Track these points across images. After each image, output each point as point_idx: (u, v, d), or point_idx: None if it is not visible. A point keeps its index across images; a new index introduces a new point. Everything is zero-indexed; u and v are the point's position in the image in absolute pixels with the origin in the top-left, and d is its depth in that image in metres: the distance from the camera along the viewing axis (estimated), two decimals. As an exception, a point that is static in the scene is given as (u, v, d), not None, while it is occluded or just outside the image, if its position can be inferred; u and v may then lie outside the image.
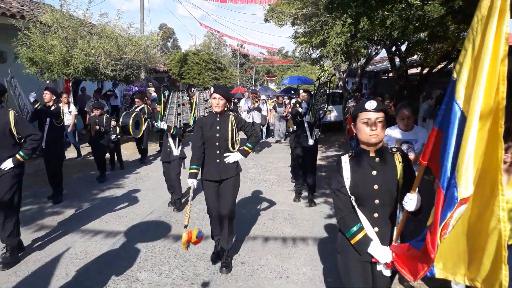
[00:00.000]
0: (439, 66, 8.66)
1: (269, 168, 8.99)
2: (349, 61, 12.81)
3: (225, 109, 3.83)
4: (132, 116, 7.67)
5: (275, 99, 14.52)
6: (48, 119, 6.00)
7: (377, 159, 2.15)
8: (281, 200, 6.32)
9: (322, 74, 17.78)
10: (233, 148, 3.83)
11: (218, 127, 3.74)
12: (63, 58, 9.17)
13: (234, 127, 3.79)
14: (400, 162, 2.15)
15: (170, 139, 5.63)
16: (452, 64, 8.59)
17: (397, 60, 9.53)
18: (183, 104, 5.65)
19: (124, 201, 6.18)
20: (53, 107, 6.05)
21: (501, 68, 1.54)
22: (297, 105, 6.56)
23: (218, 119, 3.77)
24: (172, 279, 3.66)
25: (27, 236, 4.58)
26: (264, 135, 13.80)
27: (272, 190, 7.01)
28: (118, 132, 8.19)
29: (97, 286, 3.50)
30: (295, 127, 6.34)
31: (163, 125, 5.53)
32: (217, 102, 3.68)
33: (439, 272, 1.86)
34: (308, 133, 5.93)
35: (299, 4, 8.04)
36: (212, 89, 3.71)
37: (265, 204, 6.07)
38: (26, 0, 12.75)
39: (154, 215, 5.50)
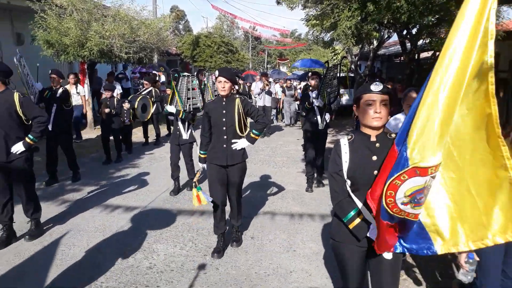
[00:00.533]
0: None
1: (279, 151, 9.16)
2: (361, 44, 12.74)
3: (232, 92, 3.76)
4: (138, 99, 7.57)
5: (284, 83, 14.66)
6: (55, 103, 6.00)
7: (377, 144, 2.05)
8: (290, 181, 6.51)
9: (335, 57, 17.71)
10: (242, 133, 3.76)
11: (224, 111, 3.65)
12: (79, 41, 9.38)
13: (241, 111, 3.69)
14: None
15: (179, 123, 5.63)
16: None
17: (408, 44, 9.52)
18: (193, 89, 5.62)
19: (139, 179, 6.44)
20: (60, 90, 6.06)
21: (490, 25, 1.46)
22: (307, 89, 6.47)
23: (224, 103, 3.67)
24: (186, 251, 3.90)
25: (49, 210, 4.88)
26: (275, 117, 13.88)
27: (282, 171, 7.20)
28: (131, 116, 8.13)
29: (116, 255, 3.76)
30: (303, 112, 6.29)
31: (171, 108, 5.51)
32: (222, 86, 3.57)
33: (440, 248, 1.82)
34: (319, 117, 5.86)
35: (310, -14, 8.04)
36: (216, 73, 3.59)
37: (274, 185, 6.26)
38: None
39: (168, 193, 5.74)
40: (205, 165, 3.86)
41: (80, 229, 4.40)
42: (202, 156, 3.86)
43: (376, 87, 1.99)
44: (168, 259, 3.74)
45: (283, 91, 13.56)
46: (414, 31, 8.99)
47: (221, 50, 23.53)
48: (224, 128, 3.67)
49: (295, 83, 15.24)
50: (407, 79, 9.10)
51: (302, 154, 8.25)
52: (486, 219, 1.68)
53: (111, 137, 7.73)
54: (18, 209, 4.23)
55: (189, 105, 5.55)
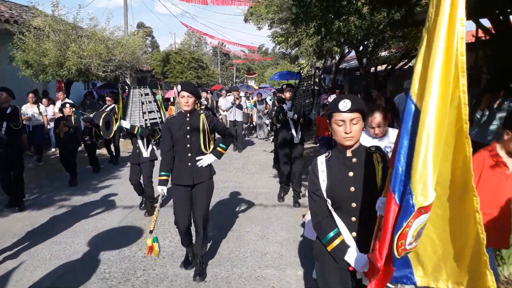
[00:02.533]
0: (400, 64, 9.73)
1: (251, 159, 9.87)
2: (324, 59, 13.75)
3: (195, 107, 3.61)
4: (102, 116, 7.18)
5: (255, 96, 14.74)
6: (5, 122, 5.55)
7: (354, 159, 1.99)
8: (262, 185, 7.21)
9: (302, 70, 18.78)
10: (207, 150, 3.60)
11: (188, 128, 3.48)
12: (58, 61, 9.82)
13: (206, 127, 3.54)
14: (379, 162, 1.97)
15: (138, 140, 5.28)
16: (412, 61, 9.70)
17: (365, 59, 10.56)
18: (148, 102, 5.26)
19: (122, 188, 6.94)
20: (9, 109, 5.66)
21: (460, 58, 1.37)
22: (280, 101, 6.36)
23: (188, 119, 3.50)
24: (175, 243, 4.49)
25: (47, 215, 5.36)
26: (245, 133, 13.69)
27: (255, 177, 7.89)
28: (93, 134, 8.01)
29: (113, 249, 4.32)
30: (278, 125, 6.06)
31: (125, 124, 5.11)
32: (186, 101, 3.39)
33: (419, 280, 1.77)
34: (293, 131, 5.70)
35: (275, 8, 8.92)
36: (179, 87, 3.42)
37: (249, 188, 6.95)
38: (13, 4, 13.30)
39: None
40: (165, 189, 3.55)
41: (76, 230, 4.92)
42: (164, 177, 3.55)
43: (344, 105, 1.89)
44: (160, 249, 4.32)
45: (254, 105, 13.65)
46: (370, 45, 10.00)
47: (191, 66, 24.22)
48: (189, 145, 3.50)
49: (268, 98, 15.01)
50: (365, 90, 10.06)
51: (273, 159, 8.42)
52: (462, 264, 1.64)
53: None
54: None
55: (146, 120, 5.20)
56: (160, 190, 3.53)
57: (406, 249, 1.62)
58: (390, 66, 9.84)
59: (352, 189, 1.94)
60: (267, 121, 12.92)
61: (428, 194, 1.48)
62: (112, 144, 9.30)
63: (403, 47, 8.80)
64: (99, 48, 10.30)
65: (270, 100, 13.22)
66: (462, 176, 1.51)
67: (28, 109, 9.08)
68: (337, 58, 14.65)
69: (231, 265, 3.94)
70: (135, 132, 5.14)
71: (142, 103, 5.18)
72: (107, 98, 8.94)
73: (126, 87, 5.37)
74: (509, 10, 3.27)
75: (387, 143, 3.12)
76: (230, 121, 11.15)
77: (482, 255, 1.50)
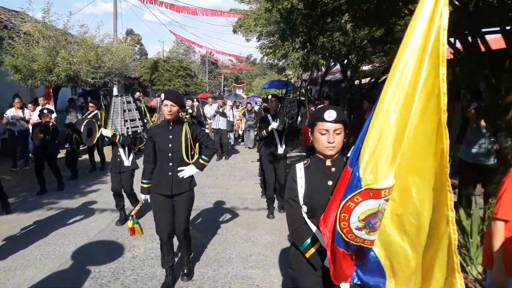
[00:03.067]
0: (383, 77, 10.14)
1: (238, 166, 10.06)
2: (310, 71, 14.13)
3: (179, 116, 3.57)
4: (84, 123, 6.84)
5: (244, 106, 14.49)
6: None
7: (333, 169, 2.03)
8: (249, 191, 7.40)
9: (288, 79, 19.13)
10: (189, 160, 3.56)
11: (170, 137, 3.46)
12: (47, 66, 9.90)
13: (189, 136, 3.51)
14: None
15: (120, 148, 5.22)
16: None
17: (349, 72, 10.95)
18: (130, 110, 5.19)
19: (109, 193, 6.99)
20: None
21: (441, 48, 1.38)
22: (264, 112, 6.43)
23: (170, 127, 3.48)
24: (162, 245, 4.64)
25: (35, 217, 5.44)
26: (232, 142, 13.39)
27: (241, 183, 8.08)
28: (74, 141, 7.86)
29: (102, 251, 4.45)
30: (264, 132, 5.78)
31: (106, 132, 5.04)
32: (169, 110, 3.35)
33: None
34: (278, 141, 5.65)
35: (263, 21, 9.22)
36: (162, 95, 3.38)
37: (235, 193, 7.13)
38: (1, 8, 13.31)
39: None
40: (147, 196, 3.64)
41: (66, 234, 5.02)
42: (145, 185, 3.60)
43: (329, 115, 1.94)
44: (148, 251, 4.48)
45: (244, 115, 13.50)
46: (352, 59, 10.39)
47: (179, 74, 24.38)
48: (170, 154, 3.46)
49: (256, 107, 14.97)
50: (349, 101, 10.41)
51: (258, 169, 8.53)
52: (430, 275, 1.60)
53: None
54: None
55: (127, 128, 5.13)
56: (143, 197, 3.66)
57: (352, 232, 1.61)
58: (373, 79, 10.27)
59: (331, 197, 1.91)
60: (252, 133, 12.89)
61: (379, 177, 1.50)
62: (96, 150, 9.17)
63: (386, 62, 9.24)
64: (89, 55, 10.42)
65: (259, 108, 12.99)
66: (439, 170, 1.46)
67: (12, 114, 9.06)
68: (323, 70, 15.05)
69: (218, 266, 4.11)
70: (117, 141, 5.08)
71: (124, 111, 5.11)
72: (90, 105, 8.76)
73: (107, 94, 5.34)
74: (481, 31, 3.58)
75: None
76: (213, 128, 11.14)
77: (453, 257, 1.46)
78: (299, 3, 4.19)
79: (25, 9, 10.78)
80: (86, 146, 8.89)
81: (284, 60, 9.00)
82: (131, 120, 5.16)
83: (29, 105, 9.92)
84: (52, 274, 3.91)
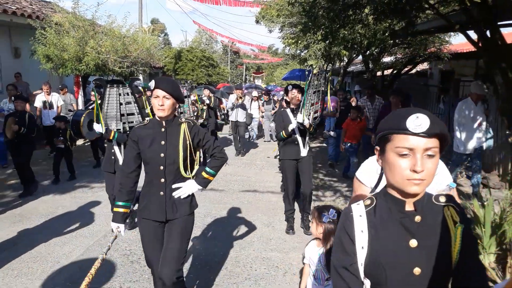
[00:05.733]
0: (406, 69, 10.11)
1: (259, 156, 10.29)
2: (332, 62, 14.12)
3: (175, 114, 2.66)
4: (84, 115, 5.79)
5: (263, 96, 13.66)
6: None
7: (417, 218, 1.22)
8: (269, 179, 7.61)
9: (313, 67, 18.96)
10: (188, 173, 2.65)
11: (162, 143, 2.54)
12: (77, 56, 10.30)
13: (188, 142, 2.59)
14: (456, 222, 1.23)
15: (115, 146, 4.49)
16: (418, 66, 10.11)
17: (370, 63, 10.96)
18: (127, 103, 4.51)
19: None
20: None
21: None
22: (285, 106, 5.49)
23: (163, 129, 2.56)
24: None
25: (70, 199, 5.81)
26: (255, 135, 12.87)
27: (263, 172, 8.31)
28: (68, 137, 6.91)
29: (131, 231, 4.75)
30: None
31: (98, 127, 4.37)
32: (160, 103, 2.44)
33: None
34: (300, 141, 4.60)
35: (286, 12, 9.32)
36: (152, 83, 2.49)
37: (256, 181, 7.37)
38: (33, -1, 13.87)
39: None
40: (122, 228, 2.62)
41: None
42: (121, 210, 2.59)
43: (418, 123, 1.14)
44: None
45: (262, 105, 12.66)
46: (374, 51, 10.39)
47: (202, 64, 24.68)
48: (162, 167, 2.54)
49: (275, 97, 14.43)
50: (369, 87, 10.46)
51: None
52: None
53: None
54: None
55: (124, 123, 4.49)
56: (115, 229, 2.60)
57: None
58: (395, 71, 10.25)
59: (417, 270, 1.18)
60: (272, 124, 11.76)
61: None
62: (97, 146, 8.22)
63: (408, 54, 9.22)
64: (117, 44, 10.76)
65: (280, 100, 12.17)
66: None
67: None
68: (345, 60, 15.00)
69: (239, 248, 4.35)
70: (111, 138, 4.37)
71: (121, 104, 4.43)
72: (92, 94, 7.98)
73: (101, 84, 4.54)
74: (498, 26, 3.63)
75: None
76: (231, 121, 10.34)
77: None
78: (321, -3, 4.32)
79: (56, 0, 11.20)
80: (88, 142, 8.00)
81: (306, 51, 9.08)
82: (128, 115, 4.49)
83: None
84: (87, 248, 4.24)
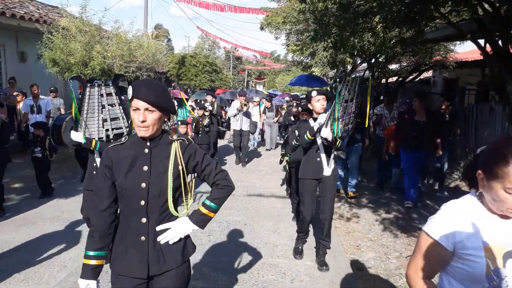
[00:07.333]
0: (411, 77, 10.14)
1: (262, 162, 10.29)
2: (336, 69, 14.18)
3: (164, 128, 2.17)
4: (67, 119, 4.62)
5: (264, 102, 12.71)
6: None
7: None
8: (273, 185, 7.61)
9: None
10: (177, 210, 1.94)
11: (145, 168, 1.87)
12: (83, 60, 10.35)
13: (181, 167, 1.91)
14: None
15: (97, 158, 3.66)
16: (423, 74, 10.14)
17: (376, 72, 11.00)
18: (111, 105, 3.64)
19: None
20: None
21: None
22: (301, 114, 5.04)
23: (147, 150, 1.90)
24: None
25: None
26: (255, 144, 12.38)
27: (266, 178, 8.30)
28: (46, 145, 6.12)
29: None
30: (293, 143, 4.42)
31: (77, 136, 3.57)
32: (141, 118, 1.78)
33: None
34: (324, 157, 3.89)
35: (292, 19, 9.37)
36: (130, 90, 1.79)
37: (261, 187, 7.37)
38: (39, 3, 14.00)
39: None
40: (92, 284, 1.88)
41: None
42: (92, 261, 1.88)
43: None
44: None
45: (264, 112, 11.95)
46: (381, 59, 10.43)
47: (205, 69, 24.77)
48: (143, 202, 1.85)
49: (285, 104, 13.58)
50: (375, 100, 10.48)
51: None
52: None
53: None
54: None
55: (107, 130, 3.67)
56: (85, 287, 1.88)
57: None
58: (400, 79, 10.29)
59: None
60: (273, 132, 11.80)
61: None
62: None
63: (414, 61, 9.28)
64: (123, 49, 10.81)
65: (288, 107, 11.67)
66: None
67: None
68: (348, 68, 15.06)
69: (246, 254, 4.34)
70: (92, 148, 3.62)
71: (103, 107, 3.61)
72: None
73: (79, 83, 3.73)
74: (510, 34, 3.64)
75: None
76: (235, 130, 9.60)
77: None
78: (333, 6, 4.33)
79: (64, 5, 11.30)
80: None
81: (311, 58, 9.13)
82: (112, 120, 3.66)
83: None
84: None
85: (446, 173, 6.94)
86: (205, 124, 8.22)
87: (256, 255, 4.31)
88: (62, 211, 5.62)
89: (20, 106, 9.08)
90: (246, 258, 4.23)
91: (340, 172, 6.47)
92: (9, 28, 10.73)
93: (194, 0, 16.38)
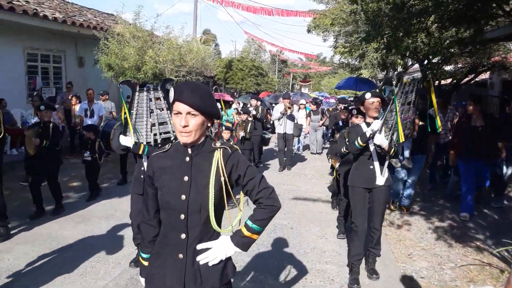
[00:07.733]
0: (466, 79, 9.61)
1: (308, 165, 10.18)
2: (386, 71, 13.76)
3: (208, 134, 1.86)
4: (115, 126, 5.28)
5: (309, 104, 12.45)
6: None
7: None
8: (320, 190, 7.49)
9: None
10: (221, 226, 1.83)
11: (186, 179, 1.75)
12: (136, 65, 10.79)
13: (223, 179, 1.75)
14: None
15: (145, 162, 3.66)
16: (480, 75, 9.59)
17: (429, 73, 10.55)
18: (160, 109, 3.71)
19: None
20: None
21: None
22: (353, 117, 4.87)
23: (188, 158, 1.78)
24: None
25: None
26: (301, 147, 12.22)
27: (312, 182, 8.20)
28: (96, 148, 6.26)
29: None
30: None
31: (125, 140, 3.63)
32: (183, 123, 1.68)
33: None
34: (377, 165, 3.64)
35: (341, 21, 9.21)
36: (171, 92, 1.70)
37: (306, 191, 7.29)
38: (96, 11, 14.83)
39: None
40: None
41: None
42: (146, 263, 1.90)
43: None
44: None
45: (309, 115, 11.50)
46: (434, 60, 9.99)
47: (252, 73, 24.98)
48: (183, 216, 1.74)
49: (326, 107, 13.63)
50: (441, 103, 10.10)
51: (329, 167, 7.24)
52: None
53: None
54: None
55: (155, 134, 3.70)
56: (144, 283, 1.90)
57: None
58: (455, 81, 9.77)
59: None
60: (319, 136, 11.68)
61: None
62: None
63: (470, 62, 8.78)
64: (173, 54, 11.15)
65: (333, 110, 11.56)
66: None
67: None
68: (399, 70, 14.57)
69: (293, 259, 4.30)
70: (141, 152, 3.62)
71: (152, 112, 3.66)
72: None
73: (130, 88, 3.73)
74: None
75: None
76: (279, 133, 9.27)
77: None
78: (386, 6, 4.20)
79: (119, 12, 11.86)
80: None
81: (360, 60, 8.92)
82: (160, 124, 3.69)
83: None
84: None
85: (507, 180, 6.51)
86: (243, 135, 7.98)
87: (304, 260, 4.26)
88: (116, 209, 5.86)
89: (76, 109, 9.58)
90: (293, 262, 4.20)
91: (403, 175, 5.88)
92: (69, 35, 11.44)
93: (242, 5, 16.61)
